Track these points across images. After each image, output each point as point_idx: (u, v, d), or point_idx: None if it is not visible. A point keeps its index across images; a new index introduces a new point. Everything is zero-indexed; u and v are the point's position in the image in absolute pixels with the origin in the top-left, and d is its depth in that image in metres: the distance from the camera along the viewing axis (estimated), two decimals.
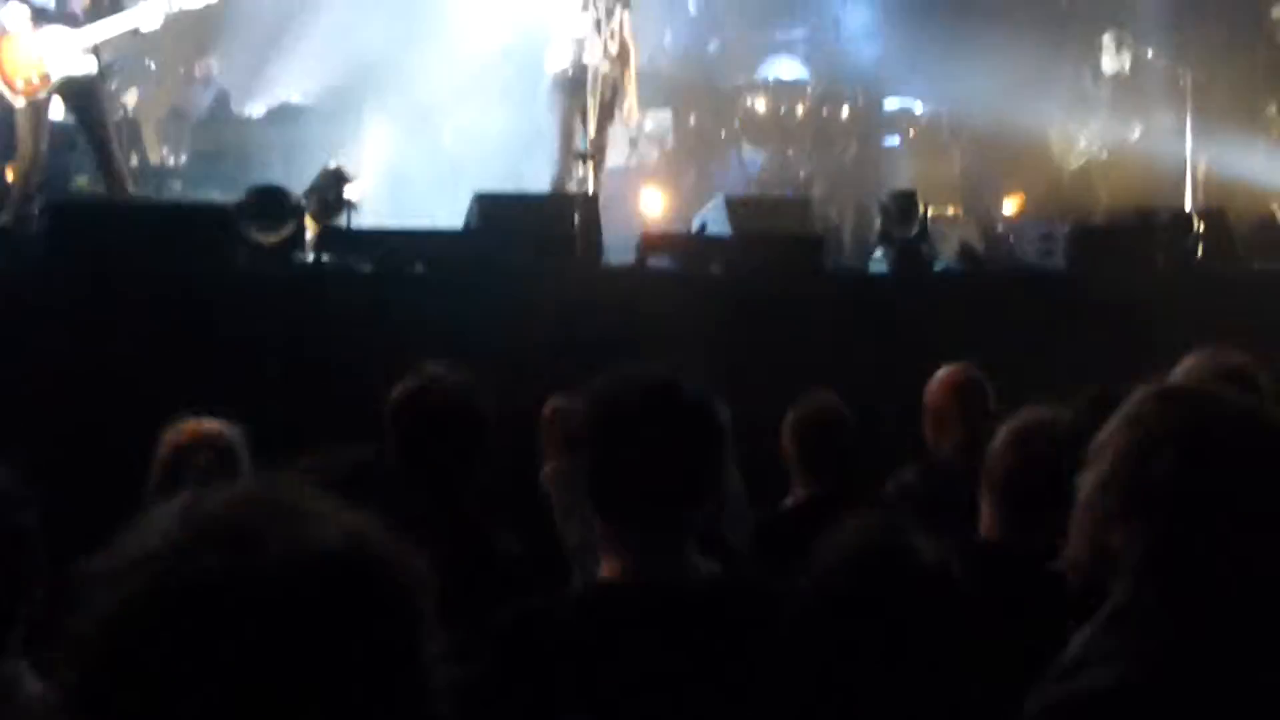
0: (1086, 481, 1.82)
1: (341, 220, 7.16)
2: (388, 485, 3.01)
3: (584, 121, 8.15)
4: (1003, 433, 3.16)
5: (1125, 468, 1.77)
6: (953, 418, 4.48)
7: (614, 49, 8.39)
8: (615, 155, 10.87)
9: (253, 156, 11.46)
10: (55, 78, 7.52)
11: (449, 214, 7.35)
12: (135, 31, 7.72)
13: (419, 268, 6.55)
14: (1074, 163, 11.12)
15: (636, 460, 2.39)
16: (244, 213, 6.49)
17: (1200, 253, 8.67)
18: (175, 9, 7.68)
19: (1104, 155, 11.05)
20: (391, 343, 5.74)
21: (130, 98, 11.64)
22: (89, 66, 7.63)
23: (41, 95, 7.56)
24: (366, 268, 6.55)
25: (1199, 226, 8.70)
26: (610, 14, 8.30)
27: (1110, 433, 1.83)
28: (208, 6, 7.90)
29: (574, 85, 8.22)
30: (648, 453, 2.39)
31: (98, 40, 7.62)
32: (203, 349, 5.77)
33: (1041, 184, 11.47)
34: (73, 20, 7.55)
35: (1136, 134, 11.04)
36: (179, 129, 12.37)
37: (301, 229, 6.63)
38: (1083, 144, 11.05)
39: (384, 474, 3.04)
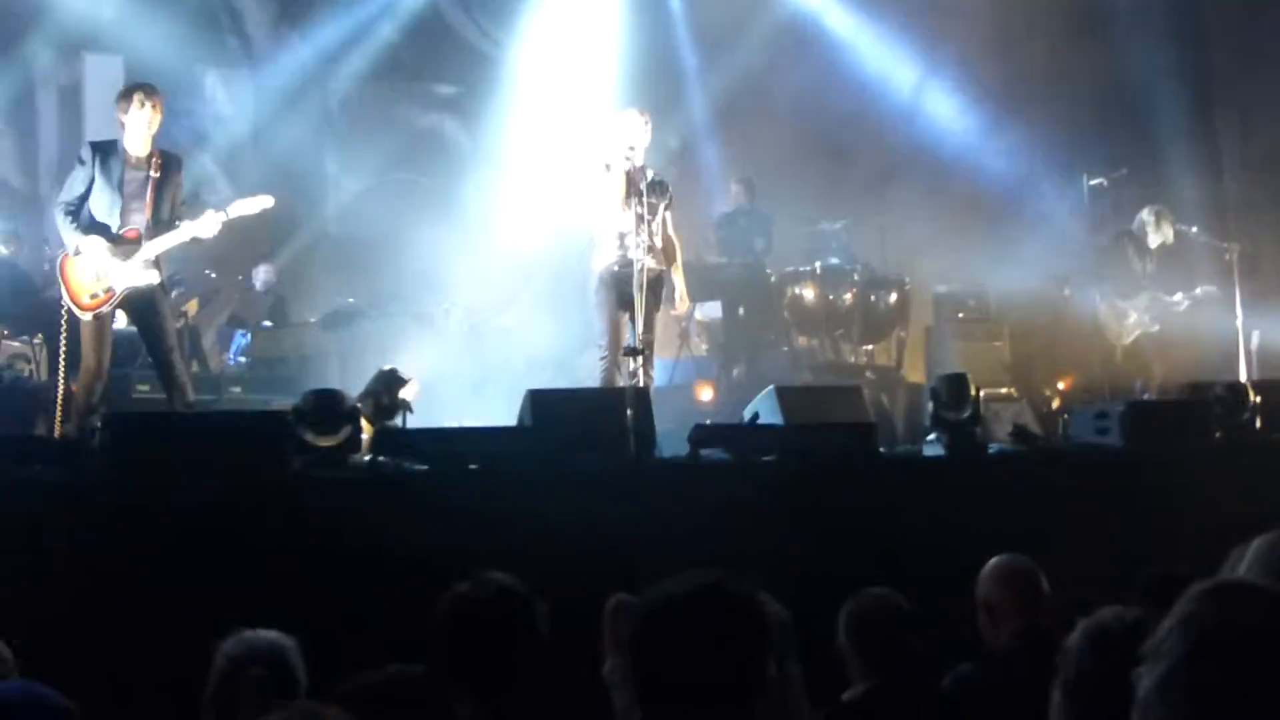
0: (1143, 681, 1.73)
1: (396, 421, 7.24)
2: (434, 698, 2.99)
3: (632, 318, 8.27)
4: (1080, 631, 3.06)
5: (1182, 672, 1.70)
6: (1007, 608, 4.47)
7: (659, 243, 8.56)
8: (666, 348, 10.99)
9: (310, 360, 11.69)
10: (119, 291, 7.73)
11: (502, 412, 7.42)
12: (195, 240, 7.94)
13: (473, 466, 6.59)
14: (1125, 338, 11.12)
15: (681, 666, 2.38)
16: (300, 417, 6.57)
17: (1258, 424, 8.58)
18: (233, 215, 7.92)
19: (1155, 328, 11.05)
20: (448, 542, 5.76)
21: (191, 307, 11.93)
22: (151, 279, 7.84)
23: (106, 309, 7.77)
24: (422, 468, 6.59)
25: (1255, 398, 8.63)
26: (654, 211, 8.47)
27: (1167, 631, 1.75)
28: (264, 210, 8.12)
29: (620, 282, 8.35)
30: (692, 658, 2.38)
31: (159, 252, 7.85)
32: (260, 555, 5.82)
33: (1093, 361, 11.45)
34: (135, 235, 7.77)
35: (1184, 306, 11.05)
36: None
37: (357, 431, 6.70)
38: (1132, 319, 11.05)
39: (431, 686, 3.02)
